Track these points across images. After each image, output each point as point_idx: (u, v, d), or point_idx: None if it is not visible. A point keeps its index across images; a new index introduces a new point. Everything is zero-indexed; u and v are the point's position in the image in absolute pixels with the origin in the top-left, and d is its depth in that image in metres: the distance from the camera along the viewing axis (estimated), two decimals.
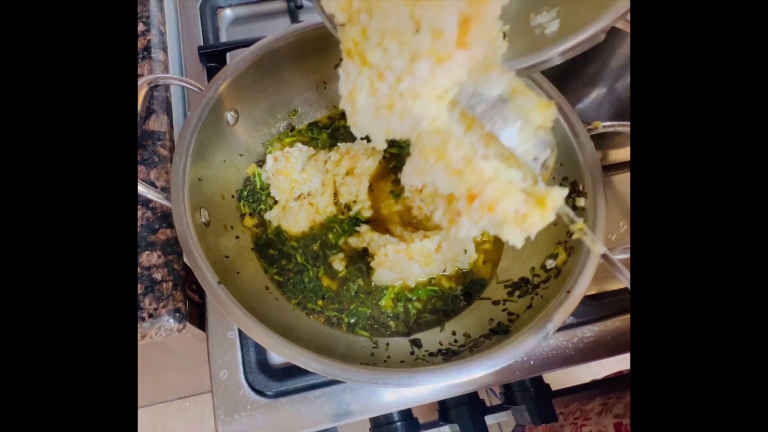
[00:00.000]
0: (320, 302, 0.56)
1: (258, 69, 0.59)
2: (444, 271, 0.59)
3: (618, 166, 0.68)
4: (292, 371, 0.54)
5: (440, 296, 0.57)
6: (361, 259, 0.59)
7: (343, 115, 0.69)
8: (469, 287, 0.58)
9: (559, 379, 0.81)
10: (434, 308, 0.56)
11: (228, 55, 0.78)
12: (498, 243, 0.61)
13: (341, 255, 0.59)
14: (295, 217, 0.60)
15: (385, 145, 0.41)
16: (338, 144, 0.65)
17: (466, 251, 0.59)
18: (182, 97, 0.78)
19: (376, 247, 0.57)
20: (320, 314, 0.55)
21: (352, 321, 0.55)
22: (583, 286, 0.46)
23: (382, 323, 0.55)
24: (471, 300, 0.57)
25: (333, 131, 0.68)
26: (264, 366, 0.54)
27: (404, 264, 0.57)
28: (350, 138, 0.67)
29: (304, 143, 0.66)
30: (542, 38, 0.41)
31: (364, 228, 0.60)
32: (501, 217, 0.37)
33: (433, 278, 0.58)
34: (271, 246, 0.60)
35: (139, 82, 0.56)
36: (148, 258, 0.54)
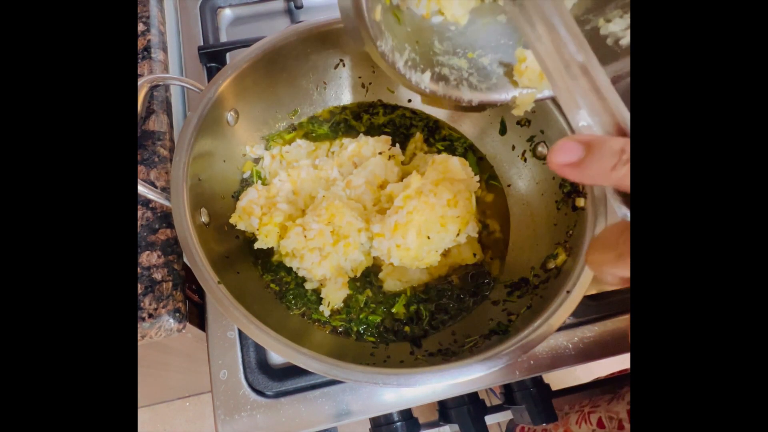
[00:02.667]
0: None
1: (258, 69, 0.59)
2: (452, 270, 0.59)
3: None
4: (292, 371, 0.54)
5: (451, 296, 0.57)
6: (368, 271, 0.59)
7: (343, 109, 0.69)
8: (477, 286, 0.58)
9: (560, 378, 0.81)
10: (445, 309, 0.56)
11: (228, 55, 0.78)
12: (504, 232, 0.61)
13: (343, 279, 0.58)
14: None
15: None
16: (343, 140, 0.66)
17: (475, 254, 0.59)
18: (182, 97, 0.78)
19: (380, 257, 0.56)
20: (326, 324, 0.55)
21: (361, 330, 0.55)
22: (583, 286, 0.46)
23: (396, 330, 0.55)
24: (479, 299, 0.57)
25: (333, 125, 0.68)
26: (264, 366, 0.54)
27: (412, 272, 0.57)
28: (351, 133, 0.68)
29: (304, 135, 0.66)
30: (616, 49, 0.38)
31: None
32: None
33: (448, 276, 0.58)
34: (269, 254, 0.59)
35: (139, 82, 0.56)
36: (148, 258, 0.54)
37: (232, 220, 0.57)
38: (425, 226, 0.53)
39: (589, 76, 0.29)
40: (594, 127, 0.28)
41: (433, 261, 0.55)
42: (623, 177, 0.26)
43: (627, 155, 0.26)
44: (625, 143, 0.27)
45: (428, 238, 0.53)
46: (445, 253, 0.58)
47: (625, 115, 0.28)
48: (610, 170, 0.27)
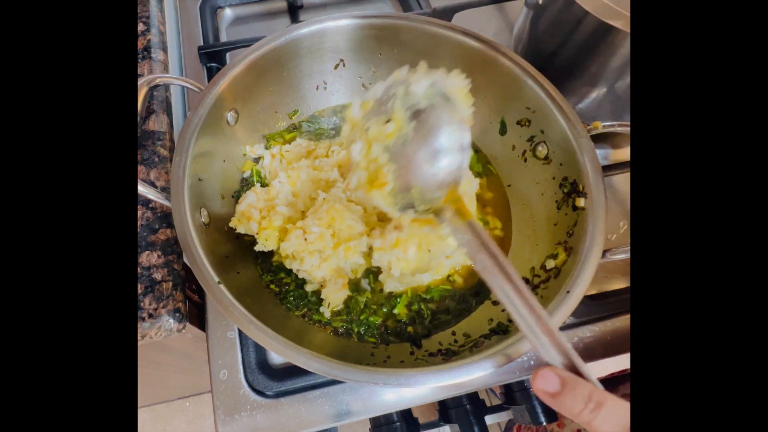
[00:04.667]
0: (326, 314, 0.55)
1: (258, 69, 0.59)
2: (455, 271, 0.59)
3: (618, 166, 0.68)
4: (292, 371, 0.54)
5: (453, 296, 0.57)
6: (368, 272, 0.58)
7: (343, 108, 0.69)
8: (480, 285, 0.57)
9: None
10: (447, 308, 0.56)
11: (228, 55, 0.78)
12: (505, 230, 0.61)
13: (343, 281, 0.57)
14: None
15: None
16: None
17: None
18: (182, 97, 0.78)
19: (381, 260, 0.56)
20: (327, 325, 0.55)
21: (362, 330, 0.54)
22: (583, 286, 0.46)
23: (398, 331, 0.54)
24: (481, 299, 0.57)
25: (334, 124, 0.68)
26: (264, 366, 0.54)
27: (413, 277, 0.57)
28: None
29: (304, 135, 0.66)
30: None
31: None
32: None
33: (450, 276, 0.58)
34: (270, 255, 0.59)
35: (139, 82, 0.56)
36: (148, 258, 0.54)
37: (231, 224, 0.57)
38: (425, 239, 0.53)
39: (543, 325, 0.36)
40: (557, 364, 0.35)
41: (435, 268, 0.55)
42: (589, 422, 0.30)
43: (593, 404, 0.29)
44: (593, 390, 0.30)
45: (429, 251, 0.53)
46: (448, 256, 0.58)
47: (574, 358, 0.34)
48: (578, 412, 0.30)
